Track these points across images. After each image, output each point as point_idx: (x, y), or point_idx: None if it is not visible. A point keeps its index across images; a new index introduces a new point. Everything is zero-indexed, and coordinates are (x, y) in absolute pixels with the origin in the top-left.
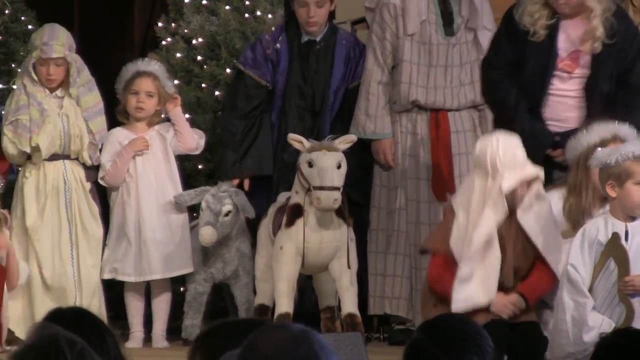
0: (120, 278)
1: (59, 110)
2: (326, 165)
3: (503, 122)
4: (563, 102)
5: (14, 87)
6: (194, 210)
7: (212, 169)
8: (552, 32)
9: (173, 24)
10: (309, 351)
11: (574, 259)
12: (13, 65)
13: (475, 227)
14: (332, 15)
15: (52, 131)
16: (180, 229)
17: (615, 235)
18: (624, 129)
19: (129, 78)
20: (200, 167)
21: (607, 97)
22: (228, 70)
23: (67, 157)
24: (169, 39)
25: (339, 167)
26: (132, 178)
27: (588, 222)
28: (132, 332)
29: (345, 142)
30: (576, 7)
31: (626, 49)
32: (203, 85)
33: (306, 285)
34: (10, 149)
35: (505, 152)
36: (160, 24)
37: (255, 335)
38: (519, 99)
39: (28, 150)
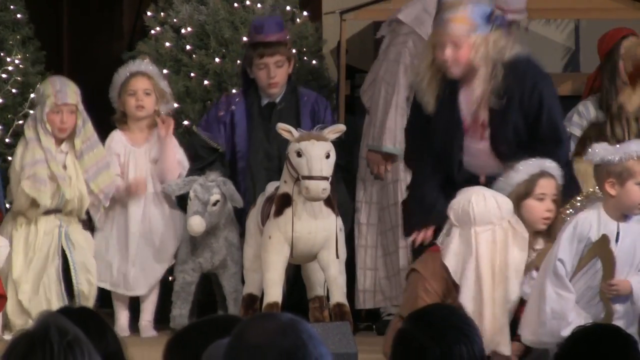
0: (106, 287)
1: (64, 170)
2: (315, 154)
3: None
4: (478, 156)
5: (25, 135)
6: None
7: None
8: (453, 97)
9: (162, 14)
10: (297, 341)
11: (562, 253)
12: (2, 54)
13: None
14: (289, 76)
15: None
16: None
17: (605, 238)
18: (549, 162)
19: (123, 81)
20: None
21: (520, 146)
22: (217, 60)
23: (59, 211)
24: (157, 29)
25: (327, 156)
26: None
27: (580, 214)
28: (118, 320)
29: (334, 132)
30: (465, 70)
31: (525, 102)
32: (192, 74)
33: (296, 275)
34: (23, 202)
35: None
36: (149, 13)
37: (243, 325)
38: (429, 176)
39: (48, 204)
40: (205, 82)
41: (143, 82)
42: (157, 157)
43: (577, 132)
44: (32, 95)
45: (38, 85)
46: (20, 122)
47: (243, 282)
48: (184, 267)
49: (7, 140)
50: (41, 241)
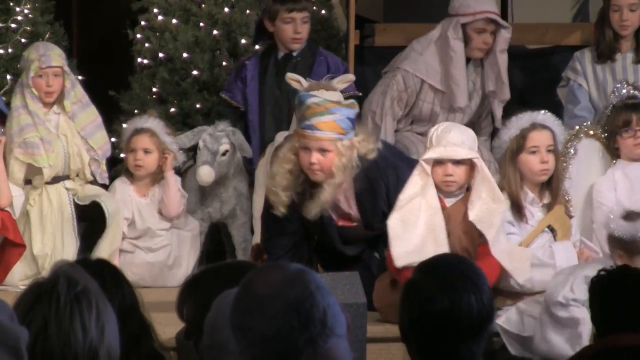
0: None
1: (56, 130)
2: None
3: None
4: (357, 230)
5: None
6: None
7: (210, 108)
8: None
9: None
10: (305, 291)
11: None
12: (11, 3)
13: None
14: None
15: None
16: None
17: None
18: (540, 115)
19: (128, 137)
20: (198, 106)
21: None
22: (226, 10)
23: (67, 177)
24: None
25: None
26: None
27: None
28: None
29: (343, 81)
30: (328, 175)
31: (383, 195)
32: (201, 24)
33: None
34: (16, 172)
35: (443, 130)
36: None
37: (250, 275)
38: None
39: (46, 166)
40: (215, 31)
41: (144, 141)
42: (160, 195)
43: (573, 76)
44: None
45: (23, 53)
46: None
47: (252, 231)
48: (193, 217)
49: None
50: (56, 213)
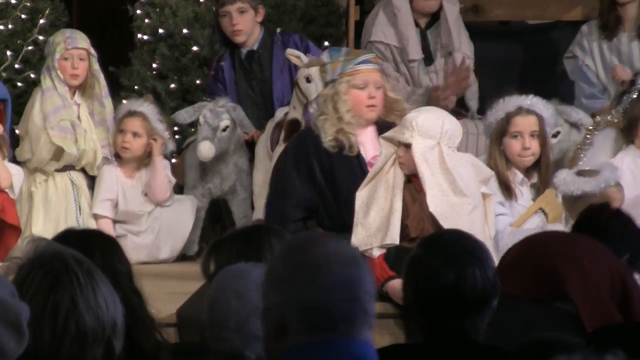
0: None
1: (78, 122)
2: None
3: None
4: None
5: (42, 85)
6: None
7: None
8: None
9: None
10: (361, 272)
11: None
12: None
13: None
14: (261, 23)
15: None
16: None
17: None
18: (528, 100)
19: (120, 117)
20: (198, 82)
21: None
22: None
23: (72, 167)
24: None
25: None
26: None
27: None
28: None
29: None
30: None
31: None
32: (201, 0)
33: None
34: (45, 152)
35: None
36: None
37: (310, 241)
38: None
39: (75, 152)
40: (214, 7)
41: (134, 124)
42: (147, 178)
43: (580, 54)
44: (41, 21)
45: (49, 38)
46: (30, 47)
47: (252, 207)
48: (194, 193)
49: (16, 66)
50: (61, 197)
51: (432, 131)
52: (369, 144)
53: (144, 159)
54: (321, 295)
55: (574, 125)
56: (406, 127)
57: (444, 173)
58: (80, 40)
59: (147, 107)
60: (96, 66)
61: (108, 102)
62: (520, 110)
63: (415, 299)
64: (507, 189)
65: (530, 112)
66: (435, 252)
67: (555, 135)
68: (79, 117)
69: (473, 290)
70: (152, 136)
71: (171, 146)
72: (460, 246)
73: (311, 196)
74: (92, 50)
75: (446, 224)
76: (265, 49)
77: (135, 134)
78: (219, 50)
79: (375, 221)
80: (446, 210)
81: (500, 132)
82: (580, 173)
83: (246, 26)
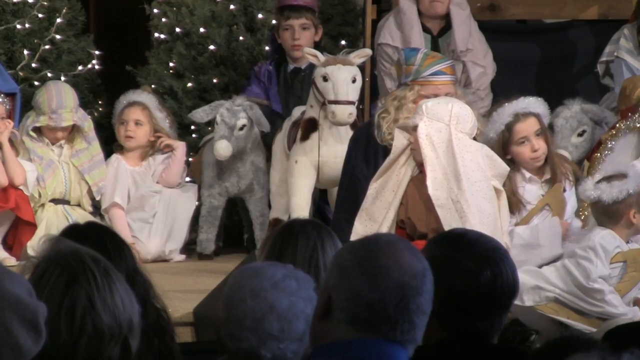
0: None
1: (58, 157)
2: (341, 79)
3: None
4: None
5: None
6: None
7: (227, 82)
8: None
9: None
10: (419, 286)
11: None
12: None
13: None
14: (318, 46)
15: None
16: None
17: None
18: (520, 103)
19: (120, 109)
20: (215, 80)
21: None
22: None
23: (67, 202)
24: None
25: (354, 81)
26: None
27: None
28: None
29: (360, 56)
30: None
31: None
32: None
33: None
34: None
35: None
36: None
37: (387, 241)
38: None
39: (35, 200)
40: (232, 6)
41: (135, 113)
42: (163, 167)
43: (624, 55)
44: (58, 20)
45: (36, 92)
46: (47, 46)
47: (269, 206)
48: (211, 192)
49: (33, 64)
50: (60, 225)
51: (440, 113)
52: None
53: (147, 150)
54: (371, 293)
55: (599, 124)
56: (417, 112)
57: (449, 157)
58: (66, 117)
59: (146, 97)
60: (88, 130)
61: (96, 142)
62: (518, 117)
63: (451, 298)
64: (514, 203)
65: (527, 114)
66: (464, 251)
67: (581, 134)
68: (61, 154)
69: (507, 287)
70: (154, 125)
71: (173, 135)
72: (485, 244)
73: None
74: (79, 122)
75: (440, 210)
76: (311, 71)
77: (137, 122)
78: (235, 50)
79: (376, 211)
80: (443, 195)
81: (504, 144)
82: (607, 179)
83: (306, 42)
